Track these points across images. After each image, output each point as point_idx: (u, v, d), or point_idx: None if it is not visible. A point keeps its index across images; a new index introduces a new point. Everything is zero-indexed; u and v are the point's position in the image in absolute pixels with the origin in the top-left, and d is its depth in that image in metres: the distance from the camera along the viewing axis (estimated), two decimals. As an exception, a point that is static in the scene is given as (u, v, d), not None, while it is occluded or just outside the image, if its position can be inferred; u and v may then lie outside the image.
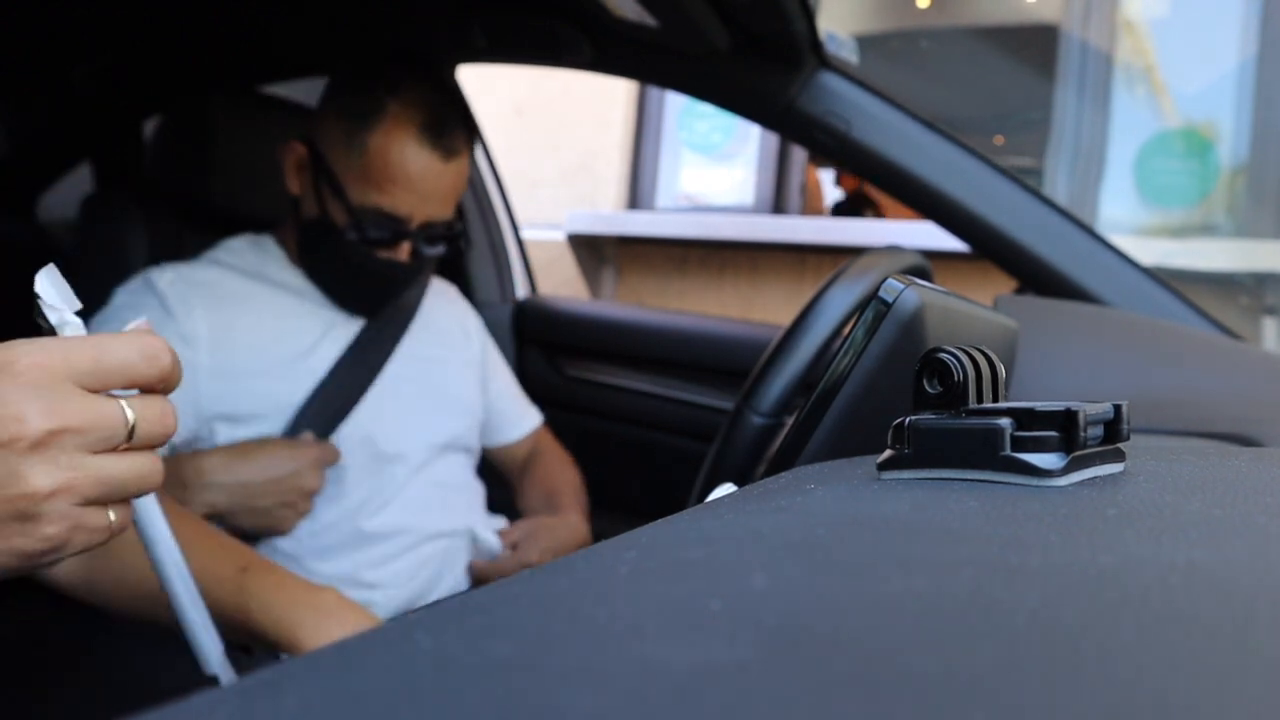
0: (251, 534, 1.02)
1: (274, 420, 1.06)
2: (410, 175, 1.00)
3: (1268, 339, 2.24)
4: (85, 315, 0.47)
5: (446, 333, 1.25)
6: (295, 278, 1.12)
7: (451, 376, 1.23)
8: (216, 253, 1.12)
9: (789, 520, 0.30)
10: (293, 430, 1.06)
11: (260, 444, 1.02)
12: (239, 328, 1.05)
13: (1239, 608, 0.20)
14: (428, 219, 1.04)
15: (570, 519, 1.24)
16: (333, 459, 1.05)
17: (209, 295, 1.05)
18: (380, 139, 1.00)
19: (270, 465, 1.00)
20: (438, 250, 1.09)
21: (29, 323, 0.46)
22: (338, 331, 1.12)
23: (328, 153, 1.03)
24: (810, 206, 2.73)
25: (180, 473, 0.96)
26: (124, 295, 1.05)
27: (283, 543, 1.06)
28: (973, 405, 0.36)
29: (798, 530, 0.28)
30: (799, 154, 2.68)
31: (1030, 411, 0.34)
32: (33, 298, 0.46)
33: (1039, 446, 0.33)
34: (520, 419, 1.37)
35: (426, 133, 1.00)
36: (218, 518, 0.98)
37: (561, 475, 1.34)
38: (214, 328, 1.03)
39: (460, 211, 1.14)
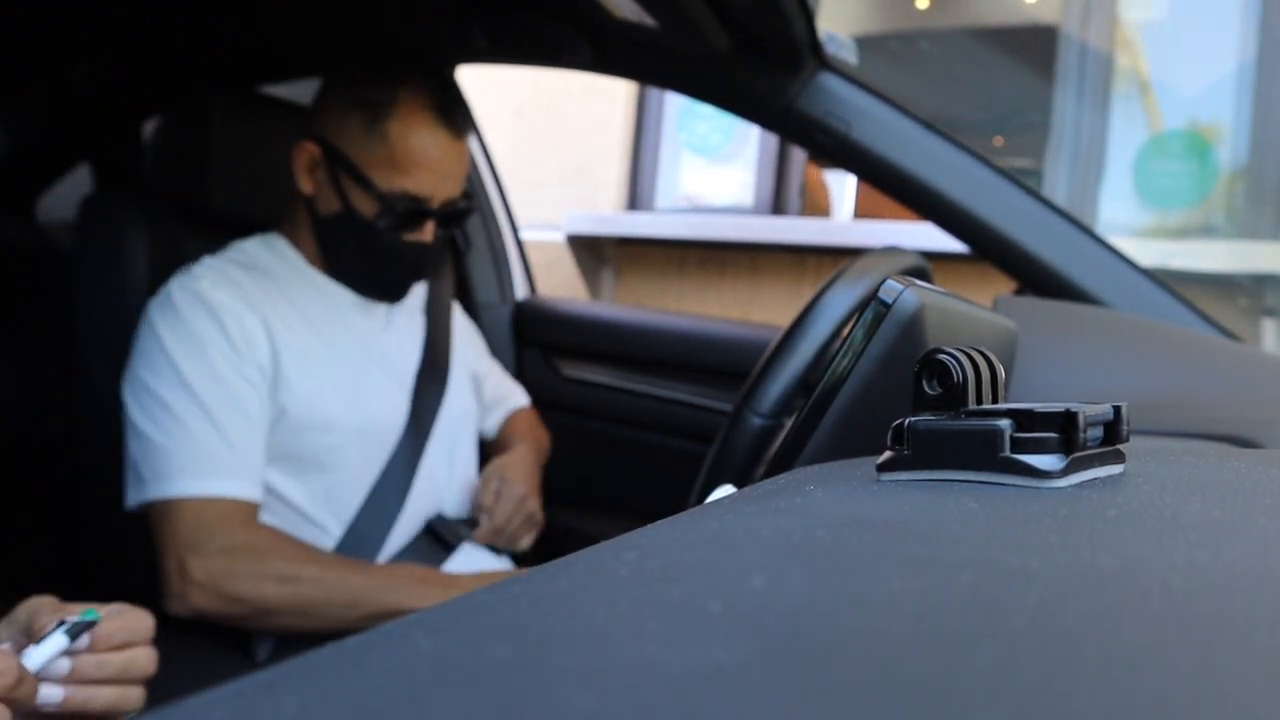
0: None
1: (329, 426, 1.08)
2: (431, 155, 1.06)
3: (1267, 340, 2.23)
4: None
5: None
6: (314, 276, 1.14)
7: (459, 386, 1.24)
8: (231, 253, 1.13)
9: (788, 521, 0.30)
10: (399, 450, 1.13)
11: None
12: (278, 329, 1.07)
13: (1239, 609, 0.20)
14: (446, 198, 1.09)
15: (518, 451, 1.27)
16: None
17: (246, 298, 1.07)
18: (399, 125, 1.05)
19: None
20: (449, 230, 1.15)
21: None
22: (363, 332, 1.15)
23: (345, 146, 1.07)
24: (814, 206, 2.73)
25: None
26: (177, 312, 1.04)
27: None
28: (972, 406, 0.36)
29: (797, 532, 0.28)
30: (798, 155, 2.68)
31: (1030, 413, 0.34)
32: None
33: (1039, 448, 0.33)
34: (503, 405, 1.41)
35: (439, 114, 1.07)
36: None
37: (520, 429, 1.38)
38: (265, 329, 1.06)
39: (468, 193, 1.17)
